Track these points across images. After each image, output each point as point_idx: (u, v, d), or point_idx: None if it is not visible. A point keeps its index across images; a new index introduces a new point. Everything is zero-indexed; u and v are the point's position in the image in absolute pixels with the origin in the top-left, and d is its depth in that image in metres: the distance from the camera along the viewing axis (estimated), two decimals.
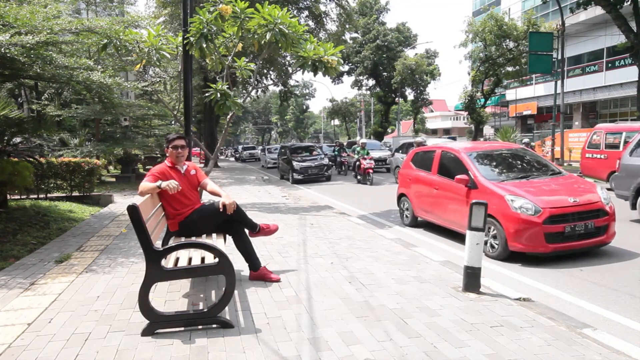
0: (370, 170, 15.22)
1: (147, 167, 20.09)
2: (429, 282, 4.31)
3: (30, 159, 7.57)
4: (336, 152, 21.73)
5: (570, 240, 5.29)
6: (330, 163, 18.33)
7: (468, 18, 29.16)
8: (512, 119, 38.08)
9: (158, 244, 3.35)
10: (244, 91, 20.57)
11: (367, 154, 15.88)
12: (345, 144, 25.58)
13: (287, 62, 23.73)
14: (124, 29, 7.73)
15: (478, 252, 4.01)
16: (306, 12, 23.17)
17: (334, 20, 24.38)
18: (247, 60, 8.52)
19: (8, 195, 7.55)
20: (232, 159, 50.37)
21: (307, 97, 79.41)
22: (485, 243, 5.59)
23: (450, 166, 6.74)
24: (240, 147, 51.17)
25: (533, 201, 5.31)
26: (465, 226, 4.12)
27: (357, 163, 15.77)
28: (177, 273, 3.33)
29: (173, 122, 18.05)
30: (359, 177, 15.64)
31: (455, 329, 3.23)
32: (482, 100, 30.12)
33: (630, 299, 4.17)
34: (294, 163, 17.05)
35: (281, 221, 7.65)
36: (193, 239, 4.03)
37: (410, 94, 43.03)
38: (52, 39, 6.43)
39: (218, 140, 17.26)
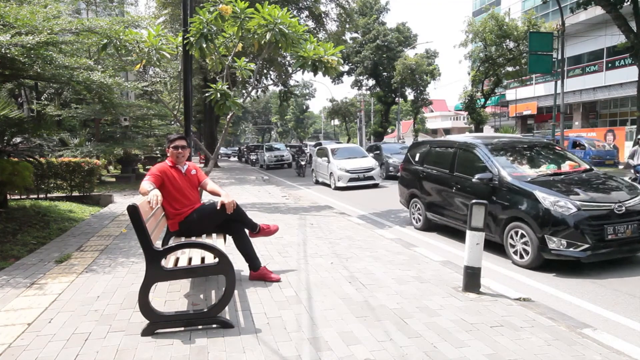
0: None
1: (147, 167, 20.08)
2: (429, 282, 4.31)
3: (30, 159, 7.56)
4: None
5: None
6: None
7: (468, 18, 29.17)
8: (512, 119, 38.11)
9: (158, 244, 3.35)
10: (244, 91, 20.59)
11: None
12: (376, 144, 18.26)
13: (287, 62, 23.72)
14: (124, 29, 7.73)
15: (478, 252, 4.01)
16: (306, 12, 23.17)
17: (334, 20, 24.41)
18: (247, 60, 8.52)
19: (8, 195, 7.55)
20: (238, 161, 37.31)
21: (307, 97, 79.50)
22: None
23: None
24: (263, 148, 30.12)
25: None
26: None
27: None
28: (177, 273, 3.33)
29: (173, 122, 18.04)
30: None
31: (455, 329, 3.23)
32: (482, 100, 30.13)
33: (630, 299, 4.17)
34: (546, 199, 5.13)
35: (281, 221, 7.65)
36: (193, 239, 4.03)
37: (410, 94, 43.02)
38: (52, 39, 6.43)
39: (218, 140, 17.24)
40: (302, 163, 20.58)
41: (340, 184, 14.20)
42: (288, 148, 31.47)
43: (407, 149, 19.57)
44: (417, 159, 8.01)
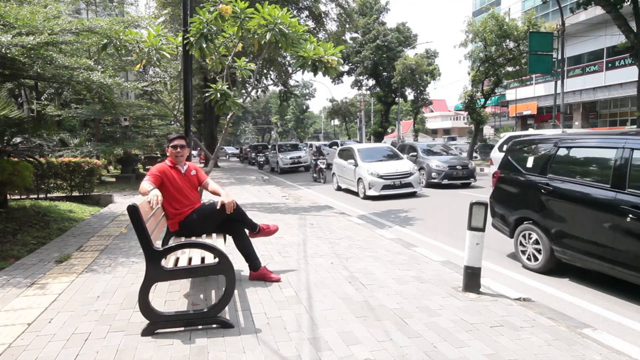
0: None
1: (147, 167, 20.06)
2: (429, 282, 4.31)
3: (30, 159, 7.57)
4: None
5: None
6: None
7: (468, 18, 29.10)
8: (512, 119, 38.09)
9: (158, 244, 3.35)
10: (244, 91, 20.57)
11: None
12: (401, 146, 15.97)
13: (287, 62, 23.70)
14: (124, 29, 7.73)
15: (478, 252, 4.01)
16: (306, 12, 23.17)
17: (334, 20, 24.39)
18: (247, 60, 8.51)
19: (8, 195, 7.55)
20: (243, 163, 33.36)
21: (307, 97, 79.43)
22: None
23: None
24: (275, 148, 24.81)
25: None
26: None
27: None
28: (177, 273, 3.33)
29: (173, 122, 18.04)
30: None
31: (455, 329, 3.23)
32: (482, 100, 30.09)
33: (630, 299, 4.17)
34: None
35: (281, 221, 7.65)
36: (193, 239, 4.03)
37: (410, 94, 42.98)
38: (53, 39, 6.43)
39: (218, 140, 17.21)
40: (322, 166, 17.26)
41: (371, 192, 11.60)
42: (305, 148, 26.95)
43: (459, 146, 17.08)
44: (530, 164, 5.41)
